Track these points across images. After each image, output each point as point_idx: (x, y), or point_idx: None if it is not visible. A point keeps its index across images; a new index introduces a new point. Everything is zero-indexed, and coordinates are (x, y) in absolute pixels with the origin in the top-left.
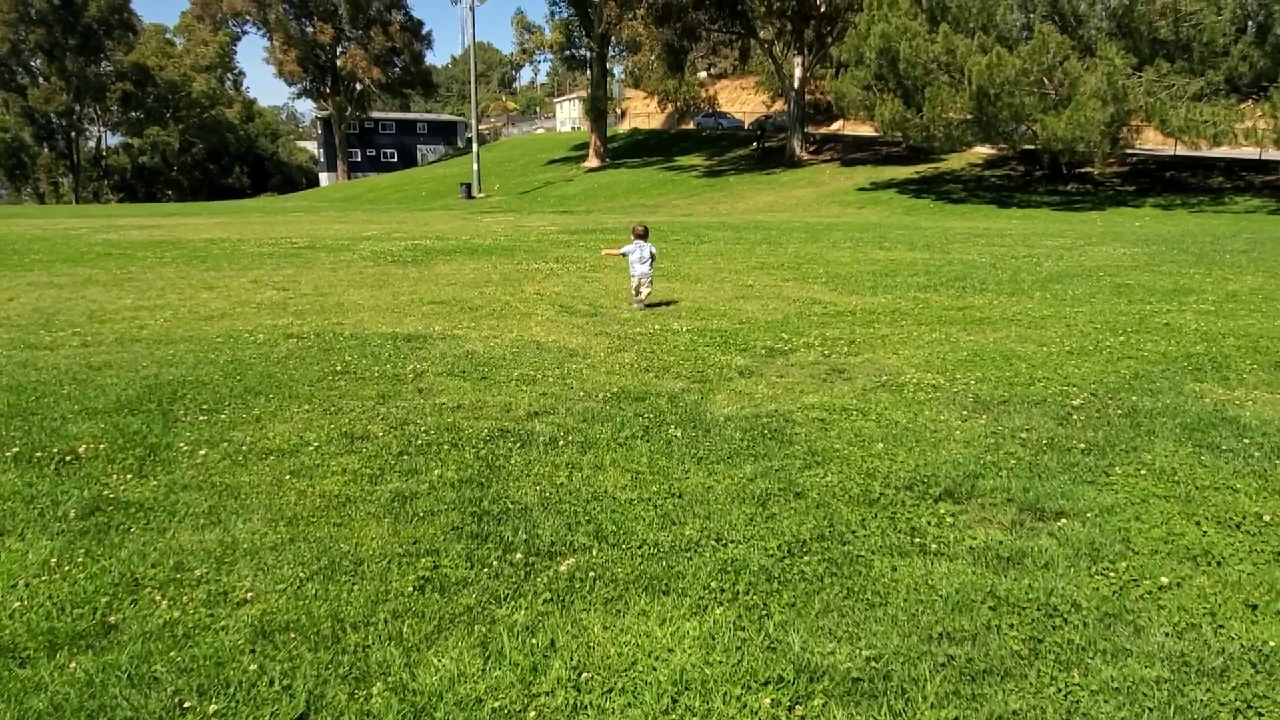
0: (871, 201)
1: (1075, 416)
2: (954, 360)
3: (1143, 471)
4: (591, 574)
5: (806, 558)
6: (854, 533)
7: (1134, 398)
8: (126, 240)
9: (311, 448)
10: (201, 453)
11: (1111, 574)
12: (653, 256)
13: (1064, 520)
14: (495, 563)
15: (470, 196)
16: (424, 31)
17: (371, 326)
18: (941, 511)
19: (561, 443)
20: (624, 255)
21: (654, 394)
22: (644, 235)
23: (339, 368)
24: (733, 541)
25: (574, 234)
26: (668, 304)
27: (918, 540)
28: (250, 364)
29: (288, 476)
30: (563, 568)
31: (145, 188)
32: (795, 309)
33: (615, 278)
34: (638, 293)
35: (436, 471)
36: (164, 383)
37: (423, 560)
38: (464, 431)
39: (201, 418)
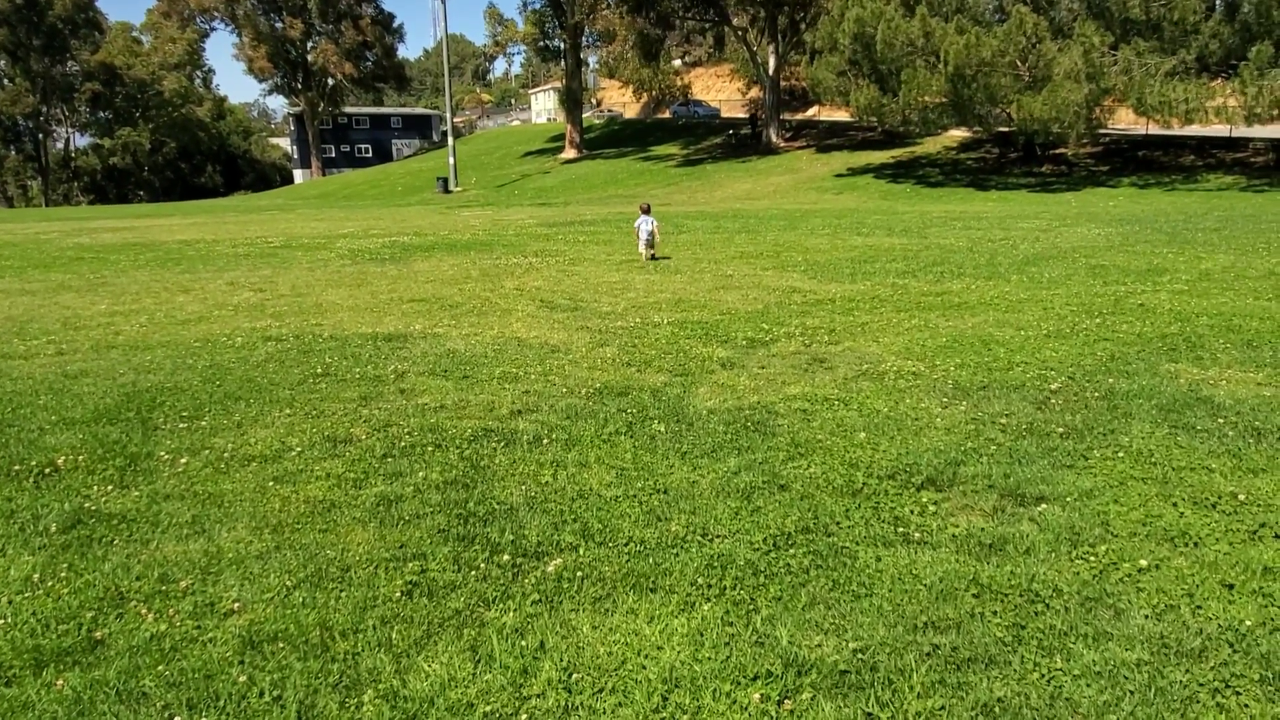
0: (848, 187)
1: (1053, 401)
2: (933, 347)
3: (1120, 454)
4: (579, 573)
5: (792, 550)
6: (838, 524)
7: (1111, 380)
8: (99, 244)
9: (294, 453)
10: (183, 461)
11: (1092, 558)
12: (653, 232)
13: (1044, 505)
14: (483, 565)
15: (447, 191)
16: (395, 25)
17: (351, 327)
18: (924, 500)
19: (545, 441)
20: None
21: (636, 389)
22: (646, 211)
23: (319, 370)
24: (718, 536)
25: (553, 227)
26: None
27: (901, 530)
28: (229, 368)
29: (271, 483)
30: (550, 568)
31: (116, 189)
32: (775, 298)
33: (595, 270)
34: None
35: (421, 474)
36: (142, 390)
37: (410, 565)
38: (447, 432)
39: (181, 425)
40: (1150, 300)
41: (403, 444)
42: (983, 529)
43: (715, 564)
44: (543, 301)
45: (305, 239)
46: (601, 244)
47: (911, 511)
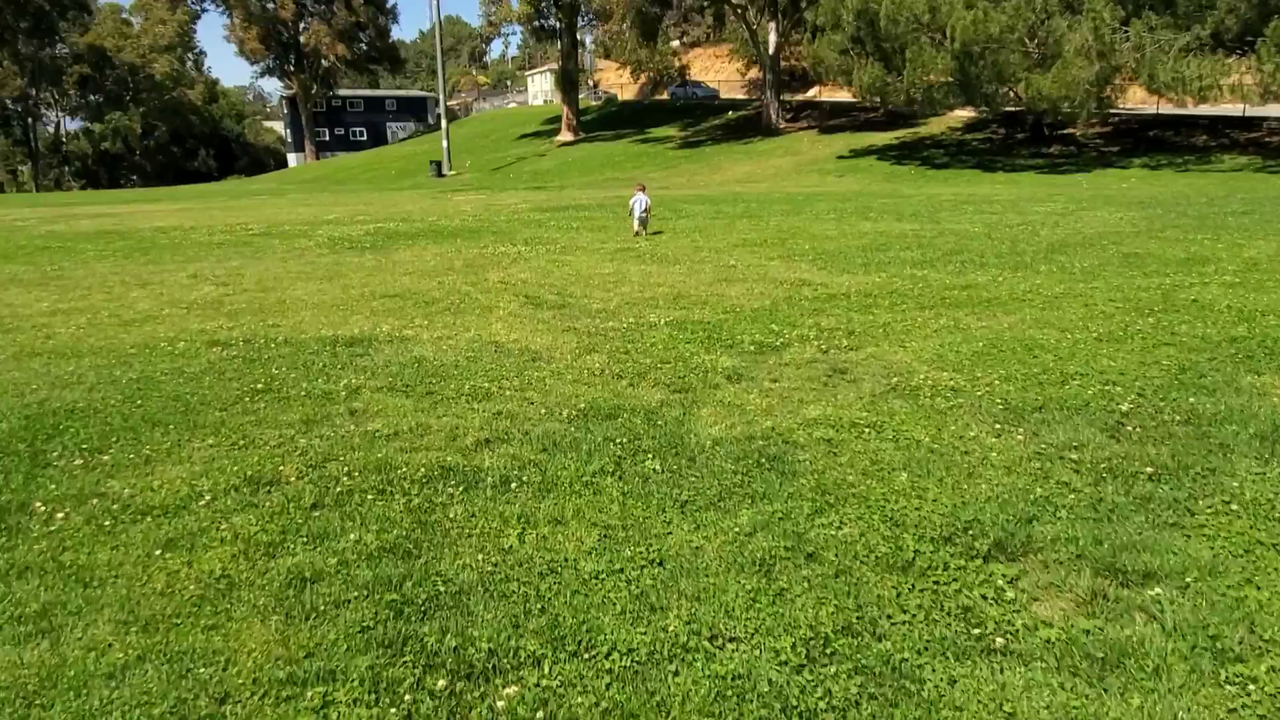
0: (852, 169)
1: (1128, 426)
2: (969, 353)
3: (1233, 505)
4: (540, 715)
5: (832, 667)
6: (889, 618)
7: (1190, 399)
8: (73, 231)
9: (203, 502)
10: (59, 517)
11: (1251, 687)
12: (646, 210)
13: (1156, 588)
14: (409, 696)
15: (441, 174)
16: (389, 5)
17: (310, 329)
18: (996, 578)
19: (514, 485)
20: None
21: (628, 409)
22: (641, 189)
23: (261, 385)
24: (731, 640)
25: (546, 212)
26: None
27: (975, 629)
28: (159, 382)
29: (159, 551)
30: (500, 703)
31: (108, 173)
32: (784, 292)
33: (587, 260)
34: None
35: (353, 535)
36: (49, 411)
37: (311, 692)
38: (397, 470)
39: (77, 462)
40: (1202, 295)
41: (339, 489)
42: (1086, 631)
43: (728, 692)
44: (528, 297)
45: (287, 226)
46: (596, 230)
47: (983, 596)
